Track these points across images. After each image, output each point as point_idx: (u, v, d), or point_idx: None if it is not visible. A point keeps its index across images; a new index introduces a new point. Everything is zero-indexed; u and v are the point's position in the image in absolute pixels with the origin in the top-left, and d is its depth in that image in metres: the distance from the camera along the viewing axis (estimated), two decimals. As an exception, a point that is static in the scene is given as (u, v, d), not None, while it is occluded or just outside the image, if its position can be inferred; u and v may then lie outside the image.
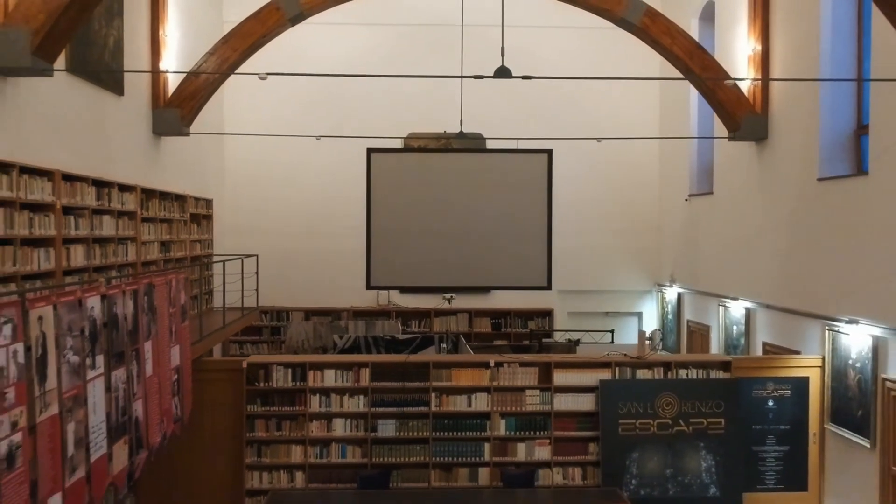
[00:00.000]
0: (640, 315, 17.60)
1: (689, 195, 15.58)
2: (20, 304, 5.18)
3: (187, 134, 12.21)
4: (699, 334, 14.87)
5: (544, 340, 14.39)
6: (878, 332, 9.31)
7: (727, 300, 13.48)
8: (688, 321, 15.62)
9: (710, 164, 14.60)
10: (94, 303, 6.41)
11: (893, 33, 8.03)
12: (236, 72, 11.11)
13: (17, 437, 5.11)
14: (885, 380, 9.21)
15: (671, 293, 16.40)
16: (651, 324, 17.26)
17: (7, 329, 4.99)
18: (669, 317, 16.55)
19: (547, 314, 16.79)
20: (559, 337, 15.29)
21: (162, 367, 8.19)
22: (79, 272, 8.28)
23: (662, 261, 17.19)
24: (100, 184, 8.90)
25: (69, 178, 8.04)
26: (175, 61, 12.52)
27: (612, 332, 14.42)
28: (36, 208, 7.37)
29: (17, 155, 7.26)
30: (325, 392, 10.16)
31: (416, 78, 11.73)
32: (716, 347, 13.81)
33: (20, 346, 5.15)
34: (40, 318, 5.48)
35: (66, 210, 7.96)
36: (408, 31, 16.71)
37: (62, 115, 8.67)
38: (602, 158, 16.54)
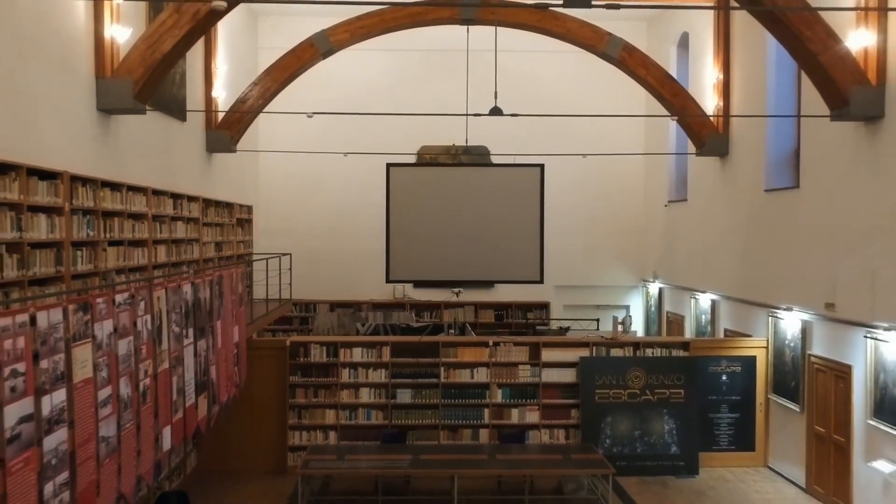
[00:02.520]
0: (627, 307, 19.65)
1: (668, 201, 17.65)
2: (149, 288, 7.35)
3: (234, 151, 14.38)
4: (676, 323, 16.93)
5: (538, 328, 16.48)
6: (806, 317, 11.40)
7: (697, 293, 15.56)
8: (667, 312, 17.69)
9: (686, 174, 16.66)
10: (187, 289, 8.58)
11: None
12: (286, 111, 13.15)
13: (148, 381, 7.28)
14: (810, 356, 11.30)
15: (654, 288, 18.48)
16: (638, 315, 19.35)
17: (142, 305, 7.15)
18: (652, 309, 18.62)
19: (544, 307, 18.88)
20: (553, 325, 17.38)
21: (227, 341, 10.36)
22: (161, 267, 10.45)
23: (646, 259, 19.26)
24: (175, 196, 11.07)
25: (156, 192, 10.21)
26: (223, 88, 14.66)
27: (598, 320, 16.54)
28: (137, 217, 9.54)
29: (121, 176, 9.42)
30: (354, 366, 12.33)
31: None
32: (689, 334, 15.85)
33: (149, 318, 7.32)
34: (158, 298, 7.65)
35: (154, 217, 10.12)
36: (421, 55, 18.76)
37: (147, 141, 10.84)
38: (594, 169, 18.53)
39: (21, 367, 4.87)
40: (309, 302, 18.63)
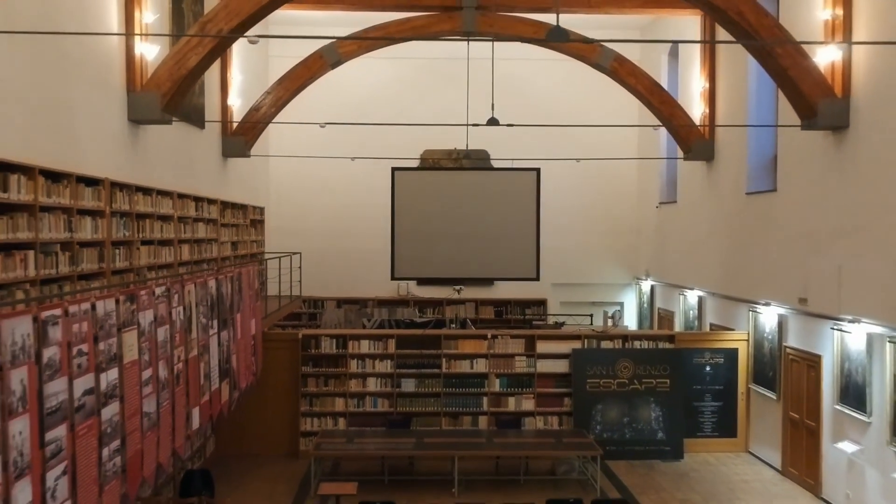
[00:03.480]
0: (622, 304, 20.52)
1: (660, 203, 18.51)
2: (181, 283, 8.24)
3: (249, 156, 15.27)
4: (667, 319, 17.80)
5: (535, 323, 17.35)
6: (782, 311, 12.26)
7: (686, 290, 16.42)
8: (658, 308, 18.56)
9: (675, 177, 17.51)
10: (212, 284, 9.47)
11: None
12: (297, 117, 14.04)
13: (180, 365, 8.16)
14: (786, 347, 12.16)
15: (646, 285, 19.34)
16: (631, 312, 20.22)
17: (175, 298, 8.04)
18: (645, 305, 19.49)
19: (541, 303, 19.75)
20: (549, 321, 18.26)
21: (245, 333, 11.25)
22: (185, 264, 11.33)
23: (639, 258, 20.12)
24: (196, 199, 11.95)
25: (181, 195, 11.09)
26: (237, 97, 15.54)
27: (591, 316, 17.42)
28: (164, 218, 10.42)
29: (150, 181, 10.29)
30: (361, 357, 13.22)
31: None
32: (678, 328, 16.69)
33: (181, 309, 8.20)
34: (189, 291, 8.54)
35: (179, 219, 11.01)
36: (424, 63, 19.61)
37: (171, 148, 11.71)
38: (590, 172, 19.34)
39: (85, 347, 5.76)
40: (317, 299, 19.50)
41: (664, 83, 17.33)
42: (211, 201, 12.75)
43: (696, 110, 15.45)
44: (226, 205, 13.78)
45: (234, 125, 15.01)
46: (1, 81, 6.96)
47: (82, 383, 5.70)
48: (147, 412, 7.06)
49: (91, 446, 5.84)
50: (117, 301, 6.37)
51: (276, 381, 12.97)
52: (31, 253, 6.75)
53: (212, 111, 14.31)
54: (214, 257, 12.75)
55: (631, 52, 18.50)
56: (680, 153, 15.81)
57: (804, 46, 10.51)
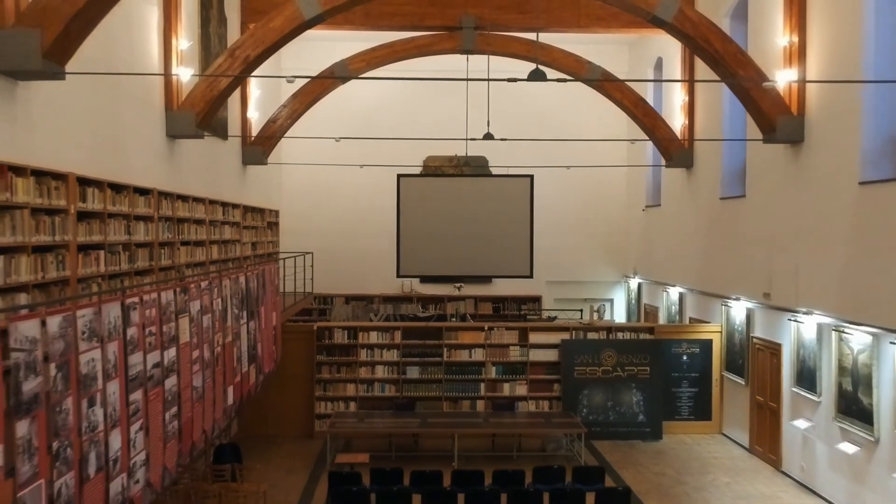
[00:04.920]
0: (611, 301, 21.87)
1: (646, 206, 19.86)
2: (219, 278, 9.60)
3: (266, 163, 16.63)
4: (652, 314, 19.15)
5: (529, 317, 18.72)
6: (750, 305, 13.60)
7: (668, 287, 17.77)
8: (645, 304, 19.91)
9: (660, 182, 18.86)
10: (242, 280, 10.83)
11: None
12: (309, 127, 15.39)
13: (219, 349, 9.52)
14: (753, 337, 13.51)
15: (634, 283, 20.70)
16: (620, 307, 21.58)
17: (215, 290, 9.40)
18: (633, 301, 20.84)
19: (536, 300, 21.08)
20: (543, 315, 19.62)
21: (268, 324, 12.61)
22: (214, 263, 12.70)
23: (627, 257, 21.48)
24: (223, 204, 13.32)
25: (211, 201, 12.46)
26: (255, 110, 16.90)
27: (581, 311, 18.77)
28: (197, 222, 11.79)
29: (185, 189, 11.65)
30: (370, 347, 14.58)
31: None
32: (662, 322, 18.01)
33: (220, 300, 9.56)
34: (225, 285, 9.90)
35: (209, 222, 12.38)
36: (426, 75, 20.92)
37: (201, 158, 13.07)
38: (582, 178, 20.63)
39: (153, 329, 7.12)
40: (327, 295, 20.83)
41: (650, 95, 18.69)
42: (235, 206, 14.11)
43: (678, 121, 16.79)
44: (246, 209, 15.14)
45: (254, 135, 16.36)
46: (74, 111, 8.32)
47: (151, 358, 7.06)
48: (195, 386, 8.43)
49: (158, 409, 7.21)
50: (175, 292, 7.74)
51: (293, 369, 14.33)
52: (101, 252, 8.11)
53: (233, 123, 15.66)
54: (237, 256, 14.12)
55: (620, 66, 19.95)
56: (662, 161, 17.15)
57: (764, 70, 11.87)
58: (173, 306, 7.69)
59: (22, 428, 4.76)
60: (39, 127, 7.64)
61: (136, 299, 6.69)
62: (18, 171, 6.47)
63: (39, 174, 6.88)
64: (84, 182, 7.76)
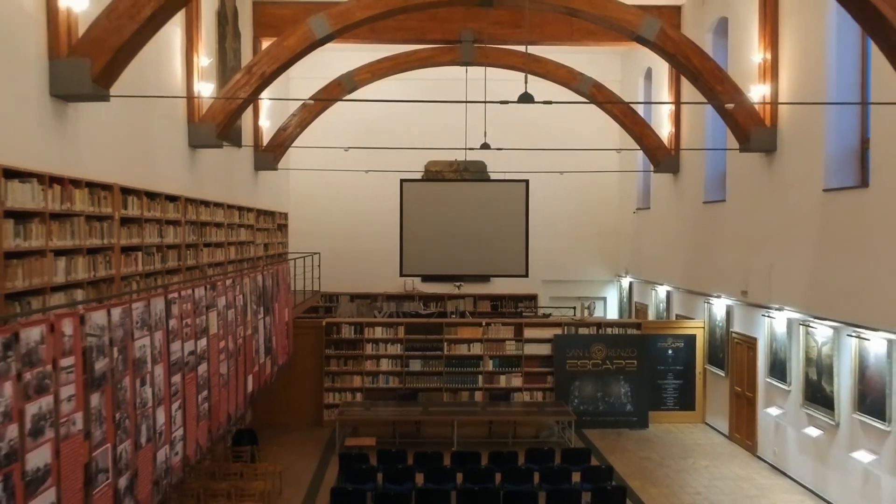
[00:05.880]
0: (605, 299, 22.87)
1: (637, 209, 20.86)
2: (241, 276, 10.60)
3: (276, 169, 17.64)
4: (642, 311, 20.14)
5: (525, 315, 19.73)
6: (729, 302, 14.60)
7: (657, 285, 18.77)
8: (636, 302, 20.91)
9: (650, 186, 19.86)
10: (259, 278, 11.84)
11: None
12: (326, 146, 16.41)
13: (241, 341, 10.53)
14: (732, 332, 14.50)
15: (626, 282, 21.70)
16: (613, 305, 22.59)
17: (237, 288, 10.40)
18: (624, 300, 21.84)
19: (533, 298, 22.09)
20: (539, 313, 20.62)
21: (281, 319, 13.61)
22: (232, 263, 13.70)
23: (619, 258, 22.48)
24: (239, 208, 14.32)
25: (229, 206, 13.46)
26: (266, 118, 17.89)
27: (574, 308, 19.76)
28: (217, 225, 12.79)
29: (205, 195, 12.65)
30: (375, 341, 15.59)
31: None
32: (651, 318, 19.00)
33: (241, 297, 10.57)
34: (245, 283, 10.91)
35: (227, 225, 13.38)
36: (428, 84, 21.84)
37: (218, 166, 14.06)
38: (577, 182, 21.61)
39: (189, 321, 8.13)
40: (333, 294, 21.84)
41: (640, 103, 19.67)
42: (248, 209, 15.11)
43: (665, 129, 17.78)
44: (259, 212, 16.14)
45: (265, 142, 17.37)
46: (113, 127, 9.33)
47: (188, 346, 8.06)
48: (222, 373, 9.44)
49: (192, 392, 8.22)
50: (205, 288, 8.75)
51: (303, 361, 15.33)
52: (139, 254, 9.12)
53: (246, 131, 16.66)
54: (252, 257, 15.12)
55: (612, 74, 20.96)
56: (651, 166, 18.15)
57: (741, 83, 12.87)
58: (204, 301, 8.69)
59: (94, 399, 5.76)
60: (85, 142, 8.64)
61: (175, 295, 7.69)
62: (76, 183, 7.47)
63: (91, 185, 7.88)
64: (125, 191, 8.75)
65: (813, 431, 11.42)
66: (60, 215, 7.18)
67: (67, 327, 5.36)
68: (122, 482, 6.28)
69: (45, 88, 7.83)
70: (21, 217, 6.47)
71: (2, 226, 6.13)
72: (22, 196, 6.46)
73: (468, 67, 17.91)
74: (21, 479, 4.71)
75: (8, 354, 4.61)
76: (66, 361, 5.33)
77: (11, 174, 6.37)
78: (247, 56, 16.24)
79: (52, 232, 6.92)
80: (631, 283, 21.33)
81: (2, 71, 7.05)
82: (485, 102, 11.36)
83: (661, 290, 18.43)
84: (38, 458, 4.94)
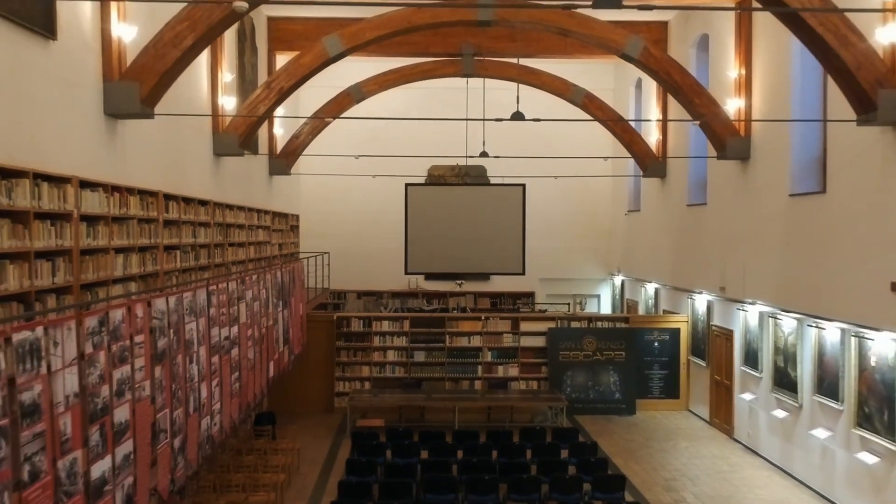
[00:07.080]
0: (599, 296, 24.07)
1: (628, 211, 22.06)
2: (264, 272, 11.83)
3: (289, 174, 18.87)
4: (633, 307, 21.34)
5: (522, 310, 20.95)
6: (710, 298, 15.80)
7: (646, 283, 19.97)
8: (627, 299, 22.12)
9: (640, 190, 21.06)
10: (279, 274, 13.06)
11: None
12: (336, 154, 17.61)
13: (264, 330, 11.75)
14: (712, 325, 15.71)
15: (618, 280, 22.90)
16: (606, 302, 23.80)
17: (260, 284, 11.62)
18: (617, 297, 23.04)
19: (530, 295, 23.30)
20: (536, 309, 21.84)
21: (296, 313, 14.84)
22: (252, 261, 14.92)
23: (612, 257, 23.69)
24: (258, 211, 15.55)
25: (250, 209, 14.69)
26: (280, 127, 19.12)
27: (569, 304, 20.99)
28: (239, 226, 14.01)
29: (228, 198, 13.87)
30: (383, 334, 16.81)
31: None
32: (641, 314, 20.19)
33: (264, 290, 11.79)
34: (268, 278, 12.13)
35: (248, 227, 14.61)
36: (430, 92, 23.10)
37: (239, 172, 15.29)
38: (572, 185, 22.82)
39: (224, 310, 9.35)
40: (341, 291, 23.07)
41: (631, 110, 20.91)
42: (265, 212, 16.35)
43: (653, 137, 18.98)
44: (274, 214, 17.37)
45: (279, 149, 18.60)
46: (153, 140, 10.55)
47: (223, 332, 9.29)
48: (249, 358, 10.66)
49: (227, 372, 9.44)
50: (237, 283, 9.97)
51: (315, 353, 16.56)
52: (177, 252, 10.35)
53: (261, 139, 17.88)
54: (268, 256, 16.35)
55: (605, 84, 22.18)
56: (640, 171, 19.36)
57: (719, 96, 14.08)
58: (236, 293, 9.92)
59: (157, 371, 6.98)
60: (132, 154, 9.86)
61: (214, 287, 8.92)
62: (130, 191, 8.70)
63: (141, 193, 9.11)
64: (167, 197, 9.98)
65: (780, 413, 12.62)
66: (119, 219, 8.40)
67: (140, 311, 6.58)
68: (177, 443, 7.51)
69: (101, 108, 9.06)
70: (91, 220, 7.70)
71: (80, 228, 7.35)
72: (91, 203, 7.69)
73: (468, 79, 19.12)
74: (111, 428, 5.93)
75: (101, 330, 5.83)
76: (138, 338, 6.55)
77: (85, 185, 7.59)
78: (263, 69, 17.49)
79: (113, 233, 8.15)
80: (623, 281, 22.54)
81: (67, 92, 8.27)
82: (483, 120, 12.55)
83: (650, 288, 19.63)
84: (121, 413, 6.16)
